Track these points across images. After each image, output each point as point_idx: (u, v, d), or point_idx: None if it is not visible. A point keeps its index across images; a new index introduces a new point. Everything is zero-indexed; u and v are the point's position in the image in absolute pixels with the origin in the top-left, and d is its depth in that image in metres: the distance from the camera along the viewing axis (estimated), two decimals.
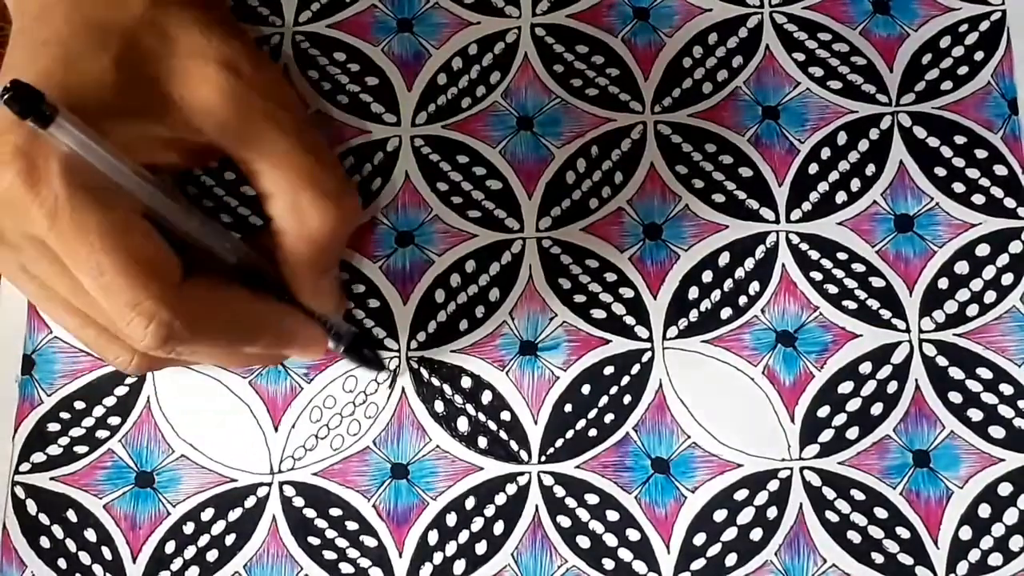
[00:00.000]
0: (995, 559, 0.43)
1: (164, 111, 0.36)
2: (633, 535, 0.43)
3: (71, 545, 0.43)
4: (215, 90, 0.36)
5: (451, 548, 0.43)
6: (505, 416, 0.44)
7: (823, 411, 0.44)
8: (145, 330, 0.34)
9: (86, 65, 0.35)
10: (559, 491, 0.44)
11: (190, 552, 0.43)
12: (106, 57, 0.35)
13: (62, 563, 0.43)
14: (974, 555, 0.43)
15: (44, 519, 0.44)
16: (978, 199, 0.46)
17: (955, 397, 0.44)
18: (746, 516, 0.43)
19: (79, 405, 0.45)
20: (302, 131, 0.38)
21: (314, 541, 0.43)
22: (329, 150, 0.41)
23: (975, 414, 0.44)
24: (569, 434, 0.44)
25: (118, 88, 0.35)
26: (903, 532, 0.43)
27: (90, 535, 0.44)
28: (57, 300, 0.36)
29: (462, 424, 0.44)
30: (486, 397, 0.44)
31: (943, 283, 0.45)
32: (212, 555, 0.43)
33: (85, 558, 0.43)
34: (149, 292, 0.34)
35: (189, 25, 0.37)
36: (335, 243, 0.39)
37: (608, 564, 0.43)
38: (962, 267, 0.45)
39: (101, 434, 0.44)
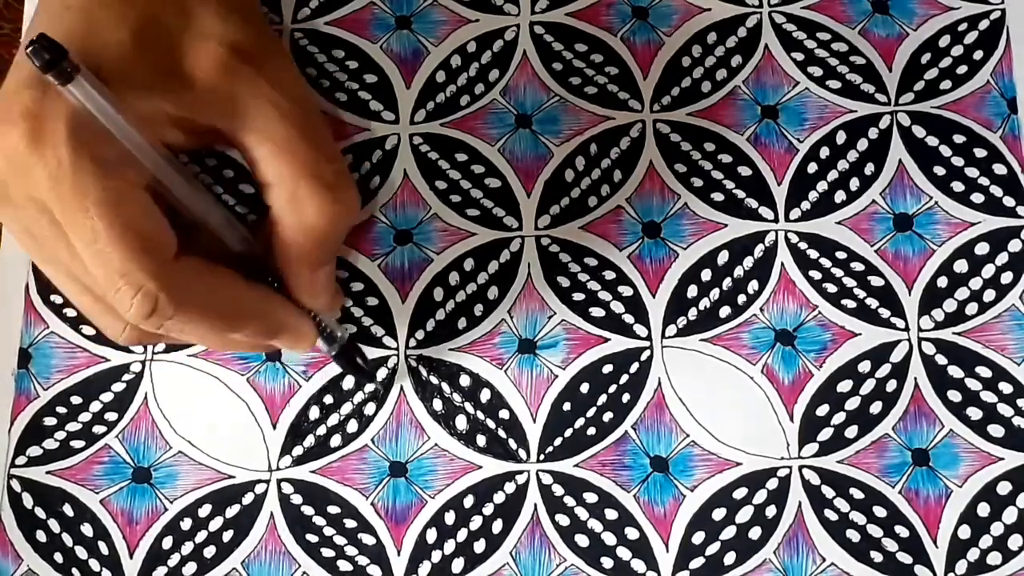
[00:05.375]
0: (994, 558, 0.43)
1: (173, 88, 0.36)
2: (632, 534, 0.43)
3: (67, 539, 0.43)
4: (223, 72, 0.36)
5: (449, 546, 0.43)
6: (504, 414, 0.44)
7: (822, 410, 0.44)
8: (131, 300, 0.34)
9: (106, 35, 0.35)
10: (558, 489, 0.43)
11: (187, 548, 0.43)
12: (125, 29, 0.36)
13: (58, 557, 0.43)
14: (973, 554, 0.43)
15: (40, 513, 0.44)
16: (977, 198, 0.46)
17: (954, 396, 0.44)
18: (745, 515, 0.43)
19: (76, 400, 0.45)
20: (308, 123, 0.38)
21: (312, 538, 0.43)
22: (334, 144, 0.41)
23: (974, 412, 0.44)
24: (568, 432, 0.44)
25: (133, 61, 0.35)
26: (902, 531, 0.43)
27: (87, 529, 0.43)
28: (57, 264, 0.37)
29: (461, 422, 0.44)
30: (485, 395, 0.44)
31: (942, 282, 0.45)
32: (209, 551, 0.43)
33: (82, 552, 0.43)
34: (139, 264, 0.34)
35: (208, 5, 0.37)
36: (333, 236, 0.39)
37: (607, 563, 0.43)
38: (961, 266, 0.45)
39: (98, 429, 0.44)
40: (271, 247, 0.39)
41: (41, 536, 0.43)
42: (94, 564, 0.43)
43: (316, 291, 0.40)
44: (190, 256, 0.36)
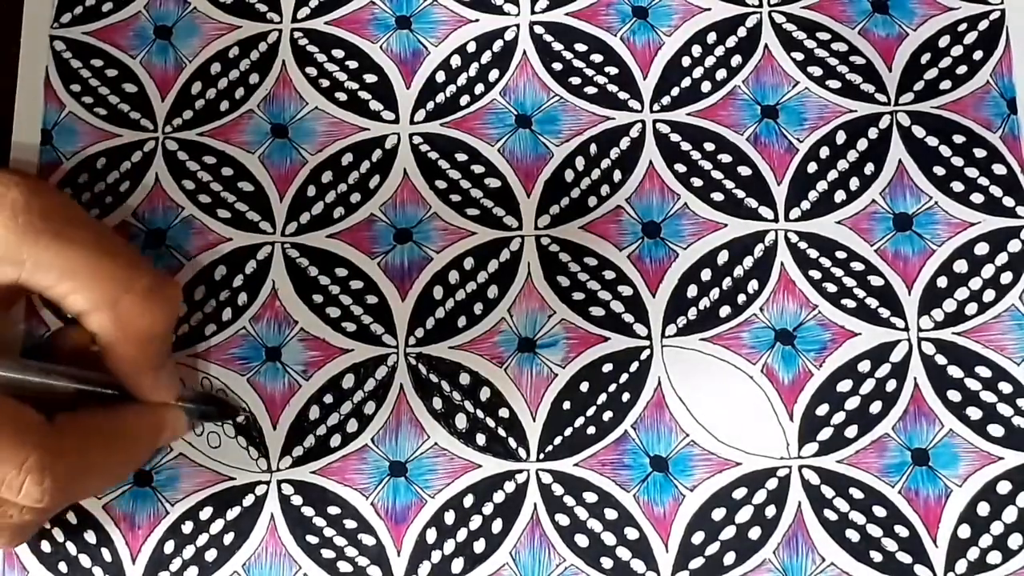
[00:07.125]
0: (994, 557, 0.43)
1: None
2: (632, 533, 0.43)
3: (71, 548, 0.43)
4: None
5: (449, 546, 0.43)
6: (503, 413, 0.44)
7: (822, 409, 0.44)
8: (19, 480, 0.34)
9: None
10: (557, 489, 0.44)
11: (189, 552, 0.43)
12: None
13: (63, 567, 0.43)
14: (973, 553, 0.43)
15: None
16: (977, 198, 0.46)
17: (954, 395, 0.44)
18: (744, 514, 0.43)
19: None
20: (100, 241, 0.37)
21: (312, 540, 0.43)
22: (135, 250, 0.40)
23: (974, 412, 0.44)
24: (567, 432, 0.44)
25: None
26: (902, 530, 0.43)
27: (90, 536, 0.43)
28: None
29: (460, 421, 0.44)
30: (484, 394, 0.44)
31: (942, 282, 0.45)
32: (211, 555, 0.43)
33: (85, 561, 0.43)
34: (30, 446, 0.34)
35: None
36: (167, 335, 0.39)
37: (606, 563, 0.43)
38: (961, 266, 0.45)
39: None
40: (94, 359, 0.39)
41: (46, 546, 0.43)
42: (98, 572, 0.43)
43: (163, 387, 0.41)
44: (56, 416, 0.36)
